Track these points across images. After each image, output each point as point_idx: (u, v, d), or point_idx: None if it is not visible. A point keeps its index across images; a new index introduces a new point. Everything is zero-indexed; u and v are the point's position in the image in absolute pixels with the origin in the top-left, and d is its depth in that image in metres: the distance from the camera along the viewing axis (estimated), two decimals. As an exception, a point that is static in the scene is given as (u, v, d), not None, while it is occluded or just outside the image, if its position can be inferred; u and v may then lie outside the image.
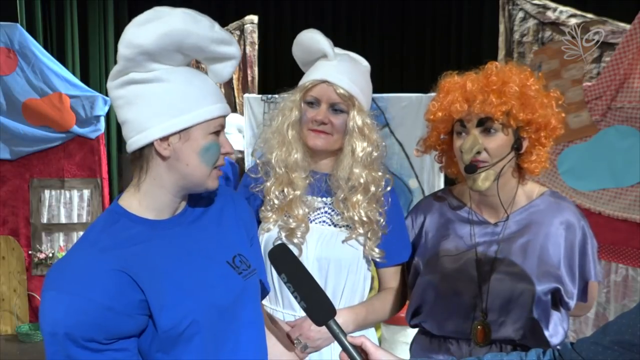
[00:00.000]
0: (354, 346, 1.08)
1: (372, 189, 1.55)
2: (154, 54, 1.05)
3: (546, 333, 1.45)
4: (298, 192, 1.55)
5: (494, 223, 1.52)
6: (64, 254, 4.10)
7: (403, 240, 1.63)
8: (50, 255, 4.51)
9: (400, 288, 1.67)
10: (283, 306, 1.60)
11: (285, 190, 1.56)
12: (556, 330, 1.47)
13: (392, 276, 1.66)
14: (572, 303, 1.47)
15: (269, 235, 1.58)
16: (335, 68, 1.53)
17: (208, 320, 1.11)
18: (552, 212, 1.49)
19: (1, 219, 4.52)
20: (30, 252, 4.54)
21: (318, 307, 1.10)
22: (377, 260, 1.59)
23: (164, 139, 1.09)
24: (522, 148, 1.47)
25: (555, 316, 1.47)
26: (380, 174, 1.59)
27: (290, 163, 1.55)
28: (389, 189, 1.61)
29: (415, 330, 1.68)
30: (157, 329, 1.06)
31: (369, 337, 1.14)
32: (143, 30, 1.03)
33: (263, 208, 1.60)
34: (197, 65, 1.28)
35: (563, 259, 1.46)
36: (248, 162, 4.19)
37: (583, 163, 3.13)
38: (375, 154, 1.57)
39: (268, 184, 1.58)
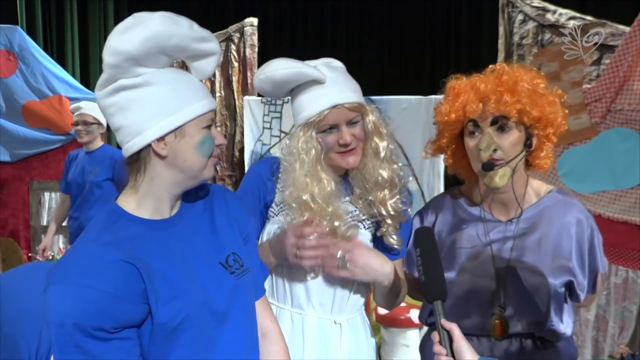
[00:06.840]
0: (444, 329, 1.22)
1: (397, 181, 1.59)
2: (140, 59, 1.09)
3: (560, 325, 1.50)
4: (337, 223, 1.54)
5: (506, 222, 1.56)
6: (63, 256, 4.08)
7: (408, 234, 1.66)
8: (50, 257, 4.50)
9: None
10: (292, 304, 1.61)
11: (326, 222, 1.52)
12: (567, 322, 1.52)
13: (400, 269, 1.67)
14: (582, 295, 1.52)
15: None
16: (334, 87, 1.52)
17: (200, 317, 1.13)
18: (562, 209, 1.55)
19: (1, 221, 4.52)
20: (30, 254, 4.53)
21: (433, 286, 1.24)
22: (396, 247, 1.61)
23: (161, 139, 1.13)
24: (532, 145, 1.50)
25: (566, 308, 1.52)
26: (400, 164, 1.63)
27: (327, 196, 1.53)
28: (411, 178, 1.63)
29: (416, 331, 1.68)
30: (153, 322, 1.09)
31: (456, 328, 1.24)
32: (127, 37, 1.07)
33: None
34: (181, 65, 1.32)
35: (574, 253, 1.51)
36: (247, 163, 4.19)
37: (583, 165, 3.13)
38: (392, 147, 1.60)
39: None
